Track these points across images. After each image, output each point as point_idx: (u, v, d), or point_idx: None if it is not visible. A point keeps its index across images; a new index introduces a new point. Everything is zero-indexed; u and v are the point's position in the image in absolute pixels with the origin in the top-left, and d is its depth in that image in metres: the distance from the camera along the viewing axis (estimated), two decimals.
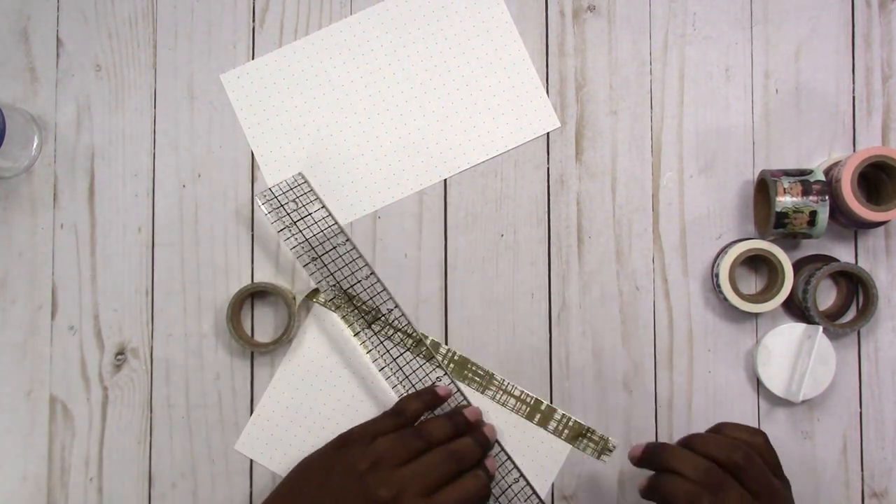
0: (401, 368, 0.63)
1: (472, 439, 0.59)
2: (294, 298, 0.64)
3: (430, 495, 0.56)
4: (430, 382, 0.63)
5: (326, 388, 0.65)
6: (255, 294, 0.66)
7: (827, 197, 0.60)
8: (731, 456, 0.53)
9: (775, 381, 0.63)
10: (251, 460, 0.66)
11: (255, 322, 0.67)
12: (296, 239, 0.63)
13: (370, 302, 0.64)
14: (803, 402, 0.64)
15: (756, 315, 0.65)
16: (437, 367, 0.63)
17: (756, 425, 0.65)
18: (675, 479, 0.53)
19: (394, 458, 0.56)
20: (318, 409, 0.65)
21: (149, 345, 0.66)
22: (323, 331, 0.66)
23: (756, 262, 0.65)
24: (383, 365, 0.63)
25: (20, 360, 0.66)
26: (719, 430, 0.57)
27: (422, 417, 0.61)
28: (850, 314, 0.65)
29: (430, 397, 0.62)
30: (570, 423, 0.64)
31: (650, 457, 0.55)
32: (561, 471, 0.65)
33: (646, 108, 0.67)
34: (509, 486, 0.63)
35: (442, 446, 0.58)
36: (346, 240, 0.64)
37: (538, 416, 0.65)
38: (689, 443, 0.55)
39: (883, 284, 0.65)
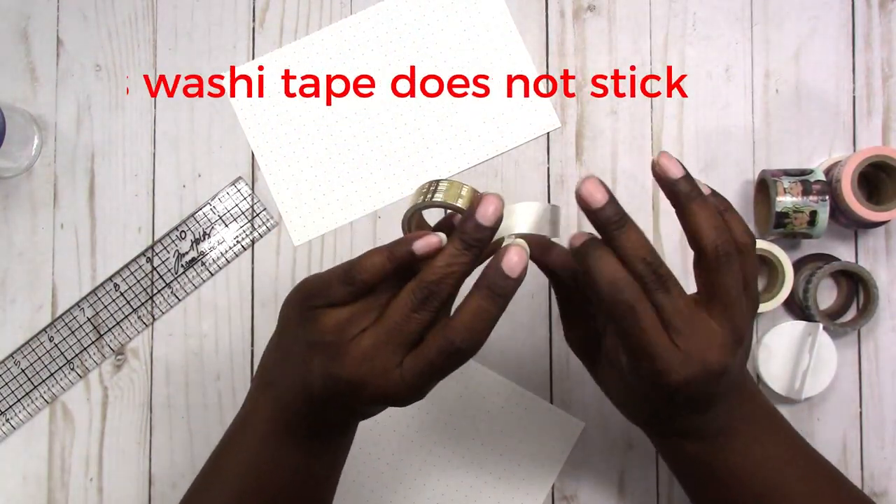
0: None
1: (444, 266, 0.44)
2: None
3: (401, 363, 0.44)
4: None
5: None
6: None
7: (827, 197, 0.60)
8: (713, 244, 0.44)
9: (777, 380, 0.63)
10: None
11: None
12: None
13: None
14: (806, 399, 0.64)
15: (756, 315, 0.65)
16: None
17: None
18: (610, 259, 0.44)
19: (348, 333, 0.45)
20: None
21: (149, 345, 0.66)
22: None
23: None
24: None
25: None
26: (717, 206, 0.46)
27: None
28: (851, 313, 0.65)
29: (402, 253, 0.44)
30: None
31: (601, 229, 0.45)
32: (561, 471, 0.65)
33: (646, 108, 0.67)
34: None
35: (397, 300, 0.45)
36: None
37: None
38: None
39: (883, 284, 0.65)
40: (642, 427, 0.52)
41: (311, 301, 0.46)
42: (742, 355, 0.47)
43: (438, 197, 0.45)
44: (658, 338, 0.44)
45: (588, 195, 0.44)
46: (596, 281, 0.44)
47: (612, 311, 0.45)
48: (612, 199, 0.44)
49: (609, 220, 0.44)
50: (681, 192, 0.45)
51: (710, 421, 0.48)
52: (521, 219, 0.46)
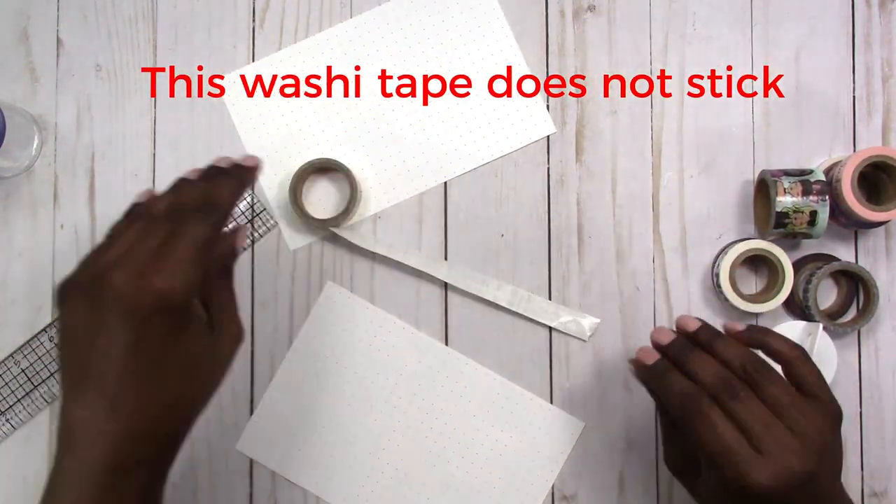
0: None
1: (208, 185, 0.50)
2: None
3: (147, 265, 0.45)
4: None
5: (328, 387, 0.65)
6: (319, 172, 0.67)
7: (827, 197, 0.60)
8: (748, 367, 0.49)
9: None
10: (251, 460, 0.65)
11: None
12: None
13: None
14: None
15: (756, 315, 0.65)
16: None
17: None
18: (678, 376, 0.50)
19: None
20: (320, 408, 0.65)
21: None
22: (325, 329, 0.66)
23: (756, 262, 0.65)
24: None
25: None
26: (752, 335, 0.52)
27: None
28: (851, 314, 0.65)
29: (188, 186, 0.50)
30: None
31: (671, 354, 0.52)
32: (561, 471, 0.65)
33: (646, 108, 0.67)
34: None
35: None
36: None
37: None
38: (711, 344, 0.51)
39: (883, 284, 0.65)
40: None
41: None
42: (831, 464, 0.49)
43: None
44: (735, 443, 0.47)
45: (656, 339, 0.53)
46: (667, 396, 0.49)
47: (685, 422, 0.48)
48: (678, 336, 0.52)
49: (678, 352, 0.51)
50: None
51: None
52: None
